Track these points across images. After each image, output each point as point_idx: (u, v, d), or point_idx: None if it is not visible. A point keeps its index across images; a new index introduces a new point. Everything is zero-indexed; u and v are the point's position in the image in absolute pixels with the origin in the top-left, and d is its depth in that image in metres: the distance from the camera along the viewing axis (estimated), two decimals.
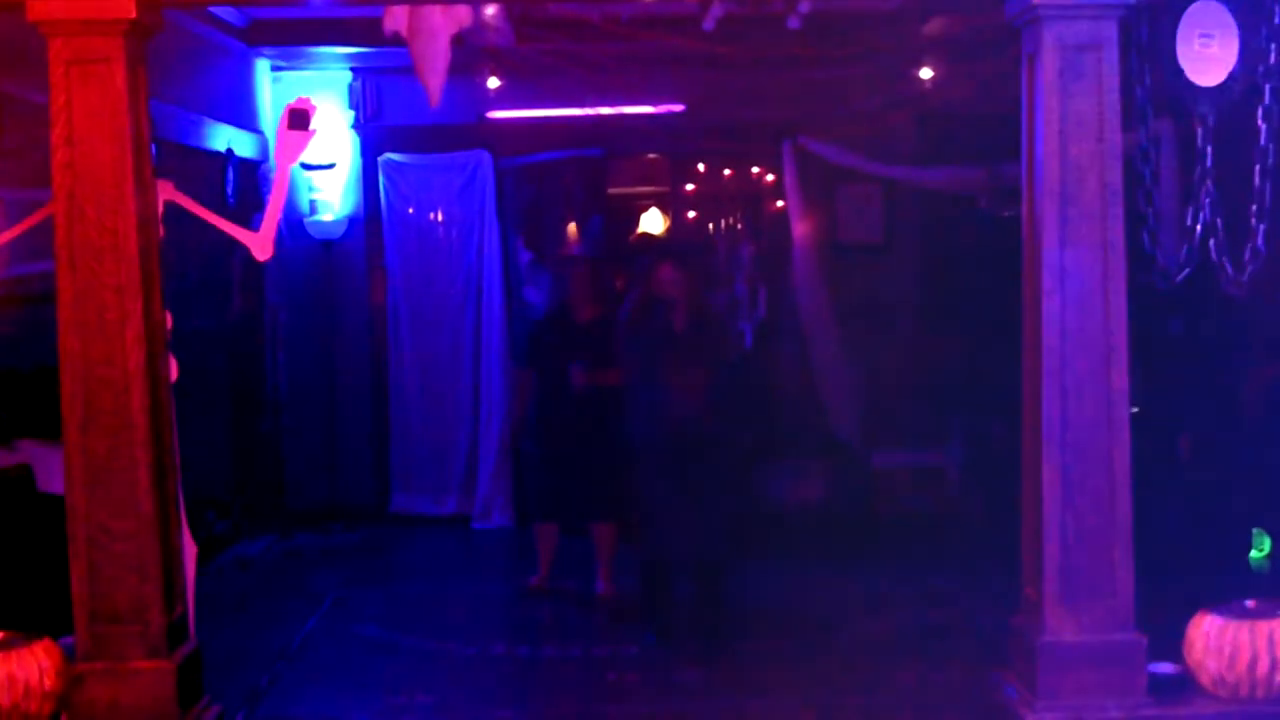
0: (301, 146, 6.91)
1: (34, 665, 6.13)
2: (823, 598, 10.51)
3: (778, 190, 14.23)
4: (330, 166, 13.46)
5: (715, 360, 9.65)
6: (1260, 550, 10.18)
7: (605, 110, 12.86)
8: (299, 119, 6.82)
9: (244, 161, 12.68)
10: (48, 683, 6.16)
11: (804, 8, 9.65)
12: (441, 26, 7.51)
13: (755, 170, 15.43)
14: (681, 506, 9.40)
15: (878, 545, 11.50)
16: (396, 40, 6.65)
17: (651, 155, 15.17)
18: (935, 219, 13.80)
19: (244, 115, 12.98)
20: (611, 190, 14.99)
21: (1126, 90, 6.39)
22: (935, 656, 9.02)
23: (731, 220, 16.08)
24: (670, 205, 15.75)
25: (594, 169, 14.28)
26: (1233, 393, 10.30)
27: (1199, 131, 6.55)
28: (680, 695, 8.88)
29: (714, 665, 9.14)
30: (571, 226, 13.84)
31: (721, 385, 9.59)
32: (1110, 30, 6.24)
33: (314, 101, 6.96)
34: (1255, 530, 10.20)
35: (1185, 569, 8.33)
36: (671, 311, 9.52)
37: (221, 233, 7.06)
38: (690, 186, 15.73)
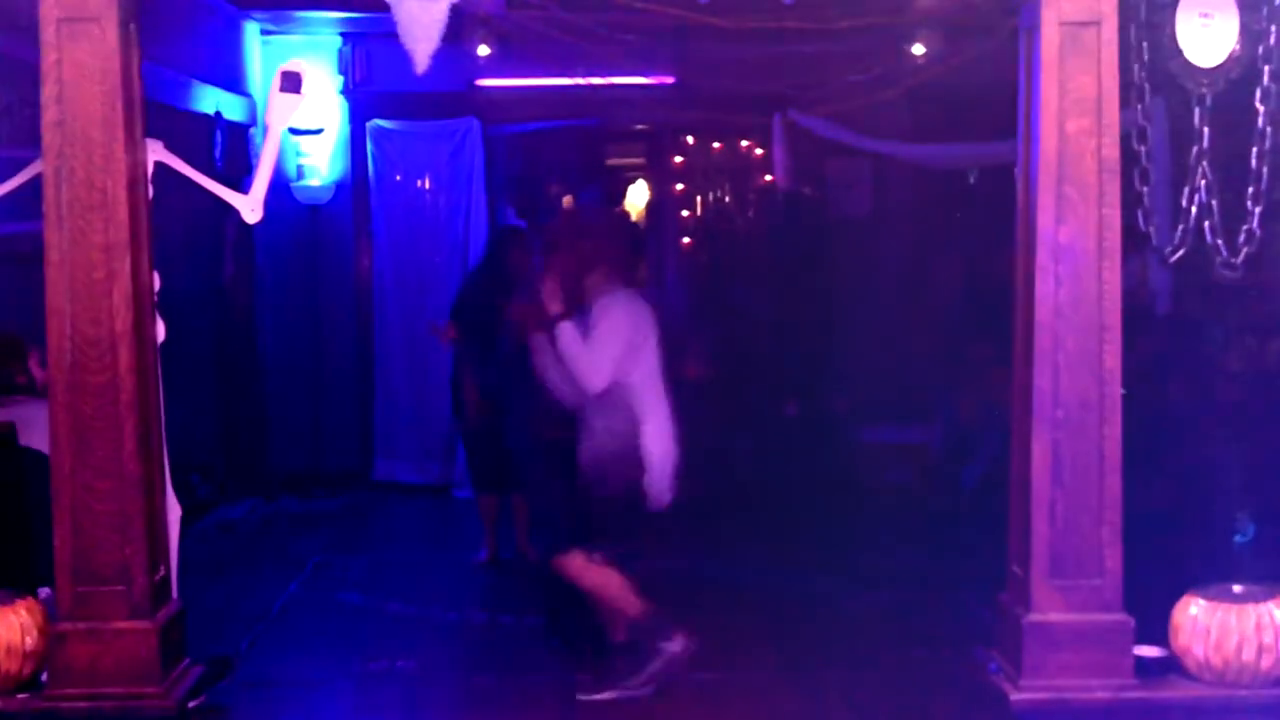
0: (292, 110, 6.87)
1: (16, 625, 6.11)
2: (803, 572, 10.50)
3: (767, 164, 14.20)
4: (319, 132, 13.41)
5: None
6: (1245, 536, 10.16)
7: (596, 80, 12.80)
8: (291, 82, 6.78)
9: (232, 125, 12.63)
10: (29, 642, 6.14)
11: None
12: None
13: (745, 143, 15.38)
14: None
15: (860, 520, 11.48)
16: (379, 3, 6.59)
17: (641, 127, 15.14)
18: (925, 195, 13.79)
19: (233, 78, 12.92)
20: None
21: (1124, 68, 6.37)
22: (918, 633, 9.01)
23: (719, 193, 16.04)
24: (658, 177, 15.71)
25: (587, 139, 14.26)
26: (1215, 374, 10.28)
27: (1196, 112, 6.52)
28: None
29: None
30: (568, 199, 13.75)
31: None
32: (1110, 6, 6.22)
33: (304, 66, 6.92)
34: (1240, 515, 10.18)
35: (1171, 553, 8.32)
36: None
37: (210, 195, 7.02)
38: (679, 159, 15.68)
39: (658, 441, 8.07)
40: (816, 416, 12.85)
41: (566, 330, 7.86)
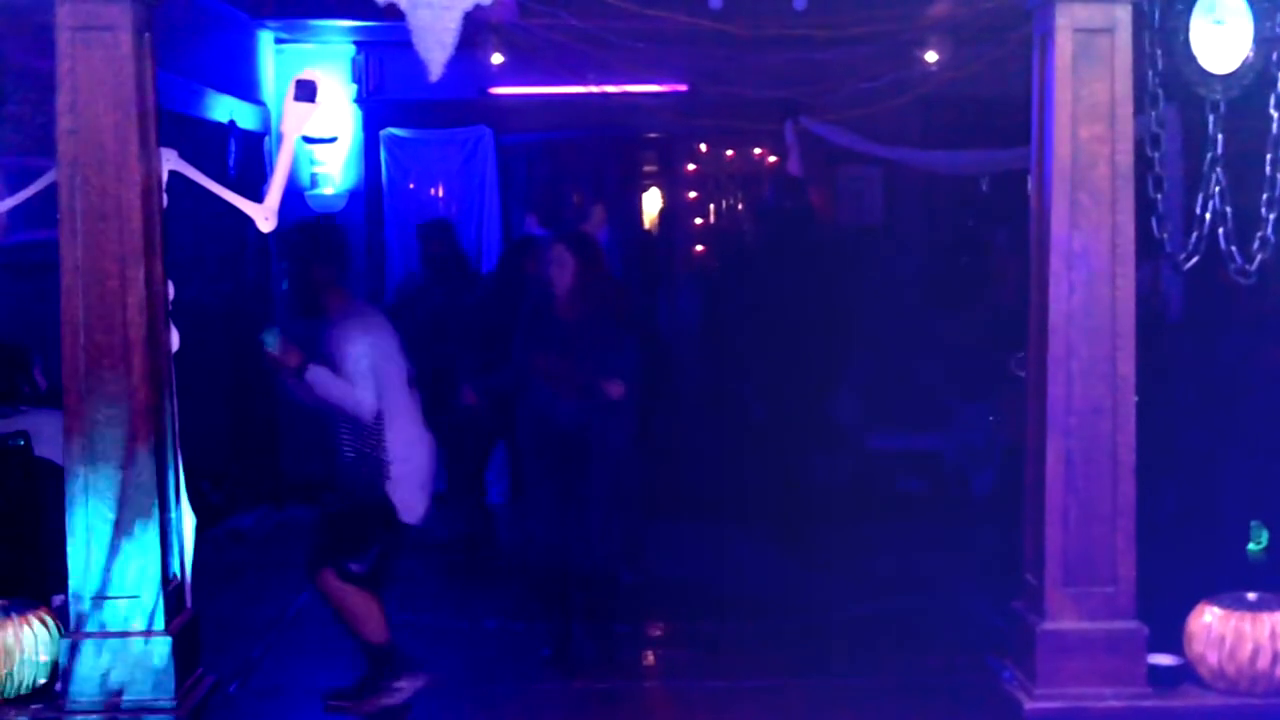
0: (307, 118, 6.86)
1: (31, 635, 6.10)
2: (816, 579, 10.49)
3: (779, 171, 14.19)
4: (332, 140, 13.47)
5: (618, 360, 8.79)
6: (1258, 543, 10.14)
7: (608, 88, 12.80)
8: (306, 90, 6.77)
9: (246, 133, 12.65)
10: (44, 652, 6.13)
11: None
12: None
13: (757, 151, 15.38)
14: (565, 516, 8.84)
15: (872, 528, 11.46)
16: (393, 12, 6.59)
17: (653, 134, 15.13)
18: (937, 201, 13.78)
19: (246, 87, 12.94)
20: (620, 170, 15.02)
21: (1138, 74, 6.35)
22: (930, 641, 9.01)
23: (732, 201, 16.03)
24: (670, 185, 15.71)
25: (598, 147, 14.29)
26: (1232, 382, 10.26)
27: (1210, 118, 6.50)
28: (675, 674, 8.88)
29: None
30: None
31: (625, 383, 8.73)
32: (1124, 13, 6.20)
33: (318, 74, 6.92)
34: (1254, 523, 10.16)
35: (1185, 560, 8.30)
36: (556, 299, 8.86)
37: (225, 204, 7.02)
38: (691, 166, 15.69)
39: (406, 453, 8.03)
40: (826, 423, 12.81)
41: (318, 374, 7.93)
